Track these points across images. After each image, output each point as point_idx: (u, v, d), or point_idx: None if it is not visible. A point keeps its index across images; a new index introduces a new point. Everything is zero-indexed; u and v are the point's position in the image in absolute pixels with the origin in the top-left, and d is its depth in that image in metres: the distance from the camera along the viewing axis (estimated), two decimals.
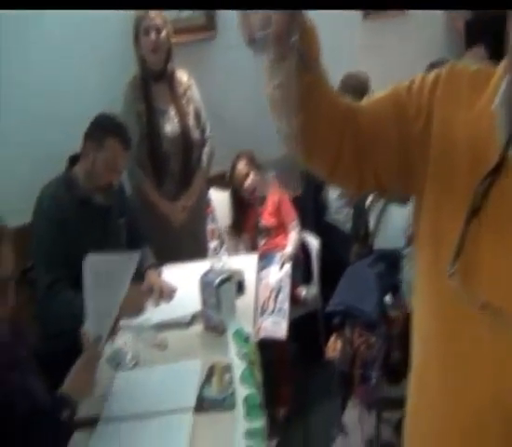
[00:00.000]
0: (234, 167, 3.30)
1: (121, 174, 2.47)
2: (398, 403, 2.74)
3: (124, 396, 1.83)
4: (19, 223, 2.23)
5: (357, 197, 3.20)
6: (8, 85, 2.68)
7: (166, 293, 2.42)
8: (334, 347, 2.45)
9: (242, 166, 3.29)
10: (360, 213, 2.98)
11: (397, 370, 2.25)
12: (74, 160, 2.42)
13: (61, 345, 2.02)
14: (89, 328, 1.70)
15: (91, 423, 1.68)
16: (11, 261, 1.44)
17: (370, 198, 2.92)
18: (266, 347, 2.36)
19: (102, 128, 2.36)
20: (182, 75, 3.04)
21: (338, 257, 3.24)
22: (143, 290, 2.42)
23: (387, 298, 2.43)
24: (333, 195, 3.44)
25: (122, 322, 2.20)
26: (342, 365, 2.37)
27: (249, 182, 3.28)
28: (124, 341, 2.12)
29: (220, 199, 3.41)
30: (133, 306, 2.27)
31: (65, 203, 2.32)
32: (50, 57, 2.84)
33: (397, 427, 2.83)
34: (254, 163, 3.31)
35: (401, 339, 2.28)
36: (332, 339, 2.49)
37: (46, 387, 1.64)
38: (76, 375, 1.62)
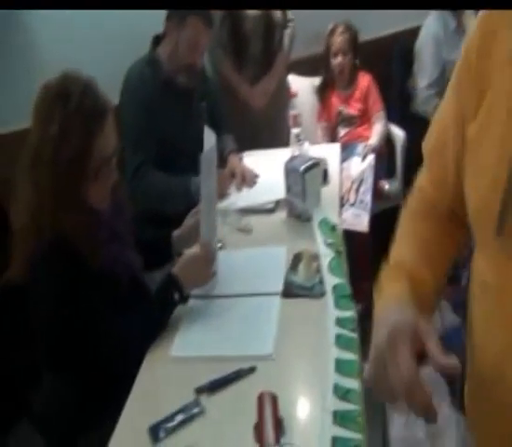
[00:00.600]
0: (329, 39, 3.06)
1: (203, 54, 2.40)
2: None
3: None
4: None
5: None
6: None
7: (248, 178, 2.37)
8: None
9: (339, 38, 3.04)
10: None
11: None
12: (157, 41, 2.38)
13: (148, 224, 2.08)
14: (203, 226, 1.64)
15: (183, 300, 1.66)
16: (115, 137, 1.45)
17: None
18: (346, 240, 2.25)
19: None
20: None
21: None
22: (225, 174, 2.37)
23: None
24: (422, 83, 3.18)
25: None
26: None
27: (339, 59, 3.03)
28: None
29: (301, 86, 3.20)
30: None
31: (150, 83, 2.29)
32: None
33: None
34: (352, 38, 3.05)
35: None
36: None
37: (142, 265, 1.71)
38: (191, 267, 1.61)
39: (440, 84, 3.12)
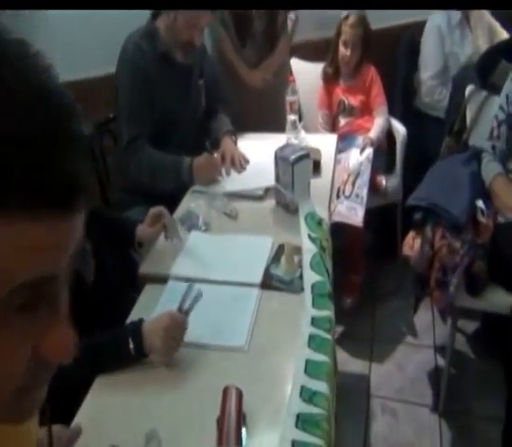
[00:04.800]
0: (341, 27, 2.96)
1: (202, 32, 2.31)
2: (476, 314, 2.64)
3: (194, 257, 1.78)
4: (105, 73, 2.38)
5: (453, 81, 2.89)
6: None
7: (238, 161, 2.32)
8: (412, 245, 2.24)
9: (352, 31, 2.92)
10: (457, 104, 2.66)
11: (478, 281, 2.05)
12: (156, 14, 2.30)
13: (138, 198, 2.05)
14: None
15: (161, 280, 1.66)
16: None
17: (469, 87, 2.58)
18: (339, 232, 2.19)
19: None
20: None
21: (425, 148, 2.97)
22: (218, 157, 2.32)
23: (479, 202, 2.17)
24: (425, 74, 3.11)
25: (195, 187, 2.20)
26: (418, 266, 2.17)
27: (349, 51, 2.94)
28: (196, 204, 2.08)
29: (303, 70, 3.12)
30: (204, 175, 2.23)
31: (147, 55, 2.23)
32: None
33: (472, 337, 2.73)
34: (365, 33, 2.95)
35: (487, 248, 2.06)
36: (410, 236, 2.28)
37: None
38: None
39: (443, 76, 3.07)
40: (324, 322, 1.47)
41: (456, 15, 3.05)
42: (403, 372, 2.58)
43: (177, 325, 1.37)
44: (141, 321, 1.39)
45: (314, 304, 1.53)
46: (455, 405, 2.38)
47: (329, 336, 1.43)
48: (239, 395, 1.22)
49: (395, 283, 3.05)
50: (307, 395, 1.25)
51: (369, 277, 3.03)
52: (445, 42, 3.05)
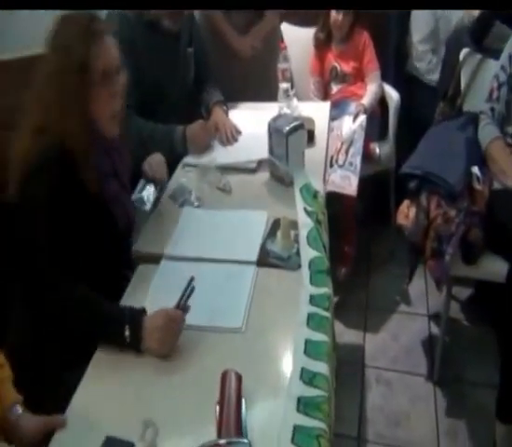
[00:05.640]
0: None
1: None
2: (470, 281, 2.64)
3: (188, 235, 1.74)
4: None
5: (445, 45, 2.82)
6: None
7: (230, 132, 2.26)
8: (406, 214, 2.20)
9: None
10: (451, 68, 2.59)
11: (473, 249, 2.03)
12: None
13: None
14: None
15: (155, 259, 1.63)
16: (116, 54, 1.50)
17: (464, 51, 2.51)
18: (332, 202, 2.15)
19: None
20: None
21: (418, 113, 2.91)
22: (209, 127, 2.26)
23: (474, 169, 2.13)
24: (416, 37, 3.02)
25: (186, 159, 2.15)
26: (413, 235, 2.14)
27: (340, 16, 2.85)
28: (187, 179, 2.02)
29: (294, 36, 3.02)
30: (198, 142, 2.19)
31: (133, 23, 2.13)
32: None
33: (465, 304, 2.73)
34: None
35: (483, 216, 2.03)
36: (405, 204, 2.24)
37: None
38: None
39: (434, 39, 2.98)
40: (323, 300, 1.44)
41: None
42: (397, 342, 2.59)
43: (174, 324, 1.34)
44: (141, 312, 1.36)
45: (312, 282, 1.50)
46: (449, 373, 2.39)
47: (328, 314, 1.41)
48: (239, 379, 1.19)
49: (388, 251, 3.04)
50: (308, 377, 1.23)
51: (361, 245, 3.01)
52: None
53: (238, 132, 2.29)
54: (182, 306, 1.37)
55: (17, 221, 1.41)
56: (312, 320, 1.37)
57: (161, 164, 1.94)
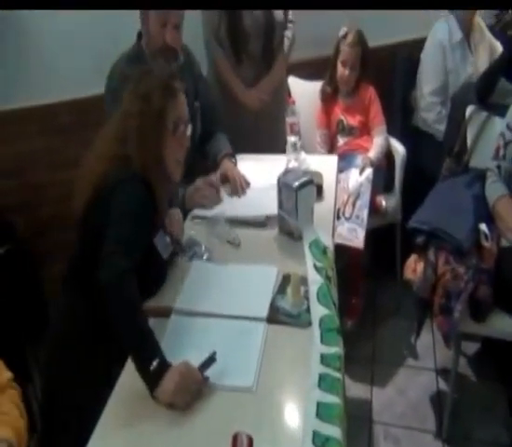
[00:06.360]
0: (339, 46, 2.94)
1: (179, 33, 2.22)
2: (477, 336, 2.61)
3: (198, 290, 1.73)
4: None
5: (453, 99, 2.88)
6: None
7: (240, 183, 2.28)
8: (414, 269, 2.21)
9: (350, 50, 2.90)
10: (457, 124, 2.64)
11: (482, 306, 2.03)
12: (140, 34, 2.27)
13: None
14: None
15: (166, 313, 1.64)
16: (185, 107, 1.73)
17: (470, 108, 2.56)
18: (339, 253, 2.15)
19: None
20: None
21: (423, 167, 2.95)
22: (217, 179, 2.27)
23: (482, 226, 2.14)
24: (426, 89, 3.07)
25: (195, 211, 2.16)
26: (421, 290, 2.14)
27: (347, 71, 2.92)
28: (196, 231, 2.03)
29: (301, 89, 3.09)
30: (206, 196, 2.19)
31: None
32: None
33: (473, 359, 2.70)
34: (364, 53, 2.93)
35: (492, 273, 2.04)
36: (412, 259, 2.25)
37: None
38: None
39: (443, 93, 3.04)
40: (334, 360, 1.43)
41: (457, 34, 3.01)
42: (405, 397, 2.55)
43: (193, 378, 1.35)
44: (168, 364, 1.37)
45: (322, 340, 1.49)
46: (458, 430, 2.35)
47: (339, 375, 1.40)
48: (250, 442, 1.18)
49: (394, 304, 3.03)
50: (320, 441, 1.21)
51: (368, 298, 3.00)
52: (447, 59, 3.01)
53: (248, 184, 2.30)
54: (204, 376, 1.37)
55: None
56: (323, 382, 1.36)
57: (179, 222, 1.96)
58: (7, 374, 1.46)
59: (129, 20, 2.26)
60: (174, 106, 1.65)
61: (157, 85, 1.64)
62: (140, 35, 2.26)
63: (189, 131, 1.72)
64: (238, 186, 2.27)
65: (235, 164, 2.41)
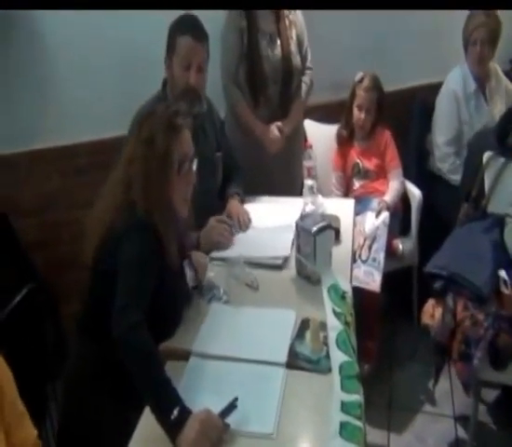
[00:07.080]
0: (355, 90, 3.00)
1: (202, 76, 2.27)
2: (498, 383, 2.58)
3: (216, 333, 1.73)
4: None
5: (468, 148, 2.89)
6: None
7: (241, 218, 2.33)
8: (431, 314, 2.20)
9: (365, 95, 2.95)
10: (474, 169, 2.65)
11: (502, 354, 2.00)
12: (166, 81, 2.32)
13: None
14: None
15: (184, 356, 1.63)
16: (191, 145, 1.72)
17: (487, 154, 2.58)
18: (355, 296, 2.14)
19: (173, 31, 2.23)
20: None
21: (439, 210, 2.96)
22: (223, 219, 2.30)
23: (502, 272, 2.14)
24: (440, 140, 3.11)
25: (213, 253, 2.15)
26: (439, 336, 2.13)
27: (363, 115, 2.97)
28: (215, 274, 2.03)
29: (317, 133, 3.14)
30: (221, 233, 2.21)
31: None
32: None
33: (493, 406, 2.65)
34: (379, 97, 2.99)
35: None
36: (430, 304, 2.24)
37: None
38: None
39: (458, 143, 3.06)
40: (354, 408, 1.42)
41: (471, 83, 3.04)
42: (424, 444, 2.50)
43: (214, 426, 1.33)
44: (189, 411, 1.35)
45: (342, 388, 1.48)
46: None
47: (360, 423, 1.38)
48: None
49: (411, 348, 3.00)
50: None
51: (384, 341, 2.97)
52: (460, 109, 3.04)
53: (250, 221, 2.34)
54: (225, 423, 1.36)
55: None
56: (345, 430, 1.34)
57: (204, 266, 1.97)
58: (34, 432, 1.45)
59: (158, 60, 2.29)
60: (179, 144, 1.65)
61: (160, 126, 1.63)
62: (165, 83, 2.31)
63: (195, 167, 1.72)
64: (236, 221, 2.30)
65: (242, 202, 2.44)
